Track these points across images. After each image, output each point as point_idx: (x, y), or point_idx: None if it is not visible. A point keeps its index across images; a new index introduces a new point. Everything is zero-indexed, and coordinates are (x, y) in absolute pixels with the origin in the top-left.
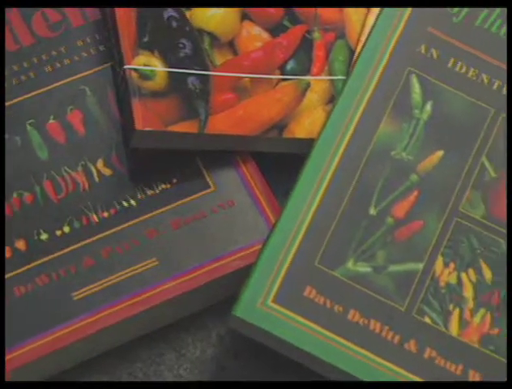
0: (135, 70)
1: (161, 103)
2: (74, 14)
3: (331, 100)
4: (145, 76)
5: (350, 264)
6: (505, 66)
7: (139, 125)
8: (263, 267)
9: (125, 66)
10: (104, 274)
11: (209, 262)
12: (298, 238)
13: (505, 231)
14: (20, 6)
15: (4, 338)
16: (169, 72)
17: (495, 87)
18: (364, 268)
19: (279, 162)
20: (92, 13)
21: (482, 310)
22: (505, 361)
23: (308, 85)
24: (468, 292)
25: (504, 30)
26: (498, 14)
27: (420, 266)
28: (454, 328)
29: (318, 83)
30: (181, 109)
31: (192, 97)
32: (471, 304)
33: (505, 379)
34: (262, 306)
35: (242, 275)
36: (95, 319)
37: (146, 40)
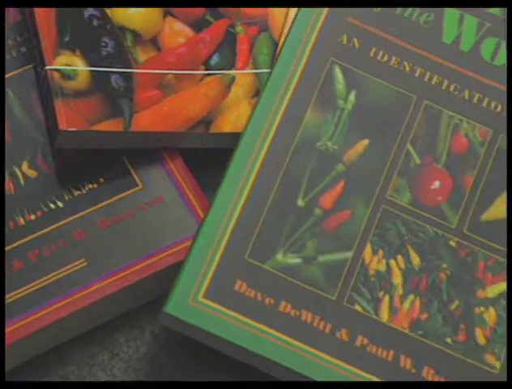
0: (57, 70)
1: (85, 102)
2: None
3: (257, 93)
4: (67, 76)
5: (280, 256)
6: (426, 54)
7: (63, 125)
8: (193, 263)
9: (47, 67)
10: (33, 277)
11: (139, 260)
12: (227, 233)
13: (431, 216)
14: (20, 6)
15: (4, 338)
16: (92, 71)
17: (417, 74)
18: (294, 260)
19: (207, 157)
20: (13, 15)
21: (411, 296)
22: (433, 344)
23: (233, 79)
24: (397, 279)
25: (424, 18)
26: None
27: (350, 255)
28: (384, 315)
29: (243, 76)
30: (105, 108)
31: (116, 95)
32: (400, 290)
33: (434, 363)
34: (193, 302)
35: (173, 272)
36: (25, 323)
37: (67, 39)
